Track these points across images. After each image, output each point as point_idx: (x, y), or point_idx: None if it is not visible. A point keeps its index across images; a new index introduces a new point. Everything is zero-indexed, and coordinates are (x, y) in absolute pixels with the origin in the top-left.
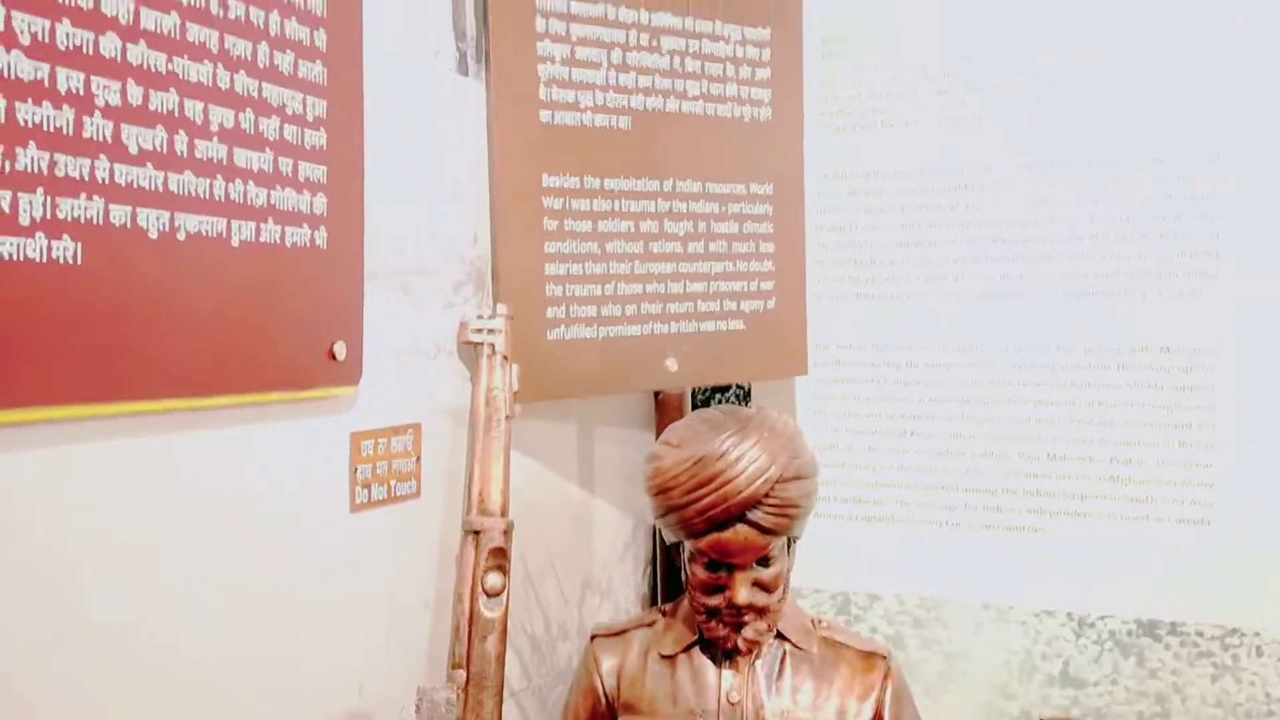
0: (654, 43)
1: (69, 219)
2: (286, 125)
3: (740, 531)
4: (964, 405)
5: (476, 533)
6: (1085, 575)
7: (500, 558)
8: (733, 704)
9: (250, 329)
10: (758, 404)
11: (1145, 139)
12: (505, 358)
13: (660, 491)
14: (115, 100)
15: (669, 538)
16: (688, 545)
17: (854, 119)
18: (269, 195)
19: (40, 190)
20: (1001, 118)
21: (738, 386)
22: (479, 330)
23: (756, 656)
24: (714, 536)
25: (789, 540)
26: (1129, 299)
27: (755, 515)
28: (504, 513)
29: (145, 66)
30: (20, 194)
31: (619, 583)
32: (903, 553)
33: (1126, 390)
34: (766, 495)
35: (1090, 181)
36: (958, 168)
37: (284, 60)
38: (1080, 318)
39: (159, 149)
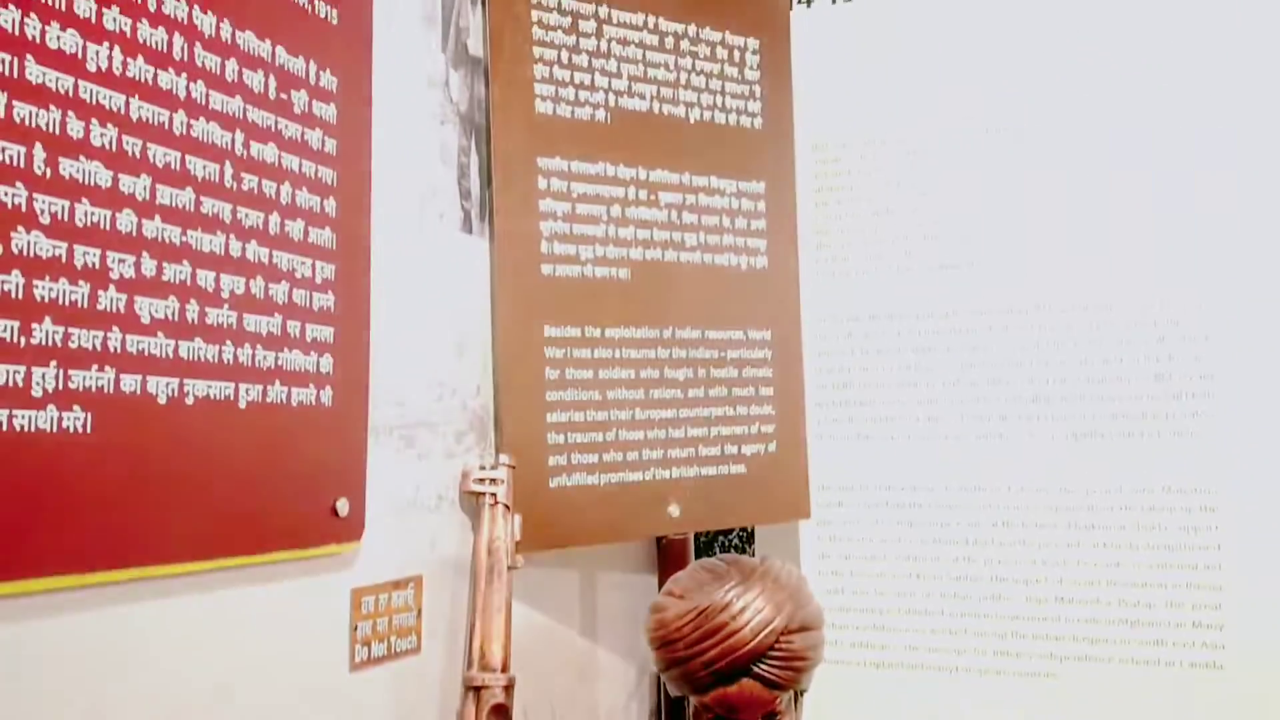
0: (652, 197)
1: (80, 389)
2: (296, 289)
3: (746, 686)
4: (968, 547)
5: (477, 689)
6: None
7: (502, 715)
8: None
9: (255, 490)
10: (761, 547)
11: (1136, 282)
12: (507, 507)
13: (663, 644)
14: (130, 273)
15: (673, 691)
16: (692, 699)
17: (848, 264)
18: (277, 358)
19: (54, 363)
20: (992, 263)
21: (741, 530)
22: (481, 480)
23: None
24: (719, 691)
25: (796, 693)
26: (1128, 440)
27: (761, 669)
28: (505, 668)
29: (160, 239)
30: (34, 368)
31: None
32: (913, 698)
33: (1131, 531)
34: (772, 648)
35: (1084, 325)
36: (952, 311)
37: (294, 228)
38: (1080, 459)
39: (170, 318)
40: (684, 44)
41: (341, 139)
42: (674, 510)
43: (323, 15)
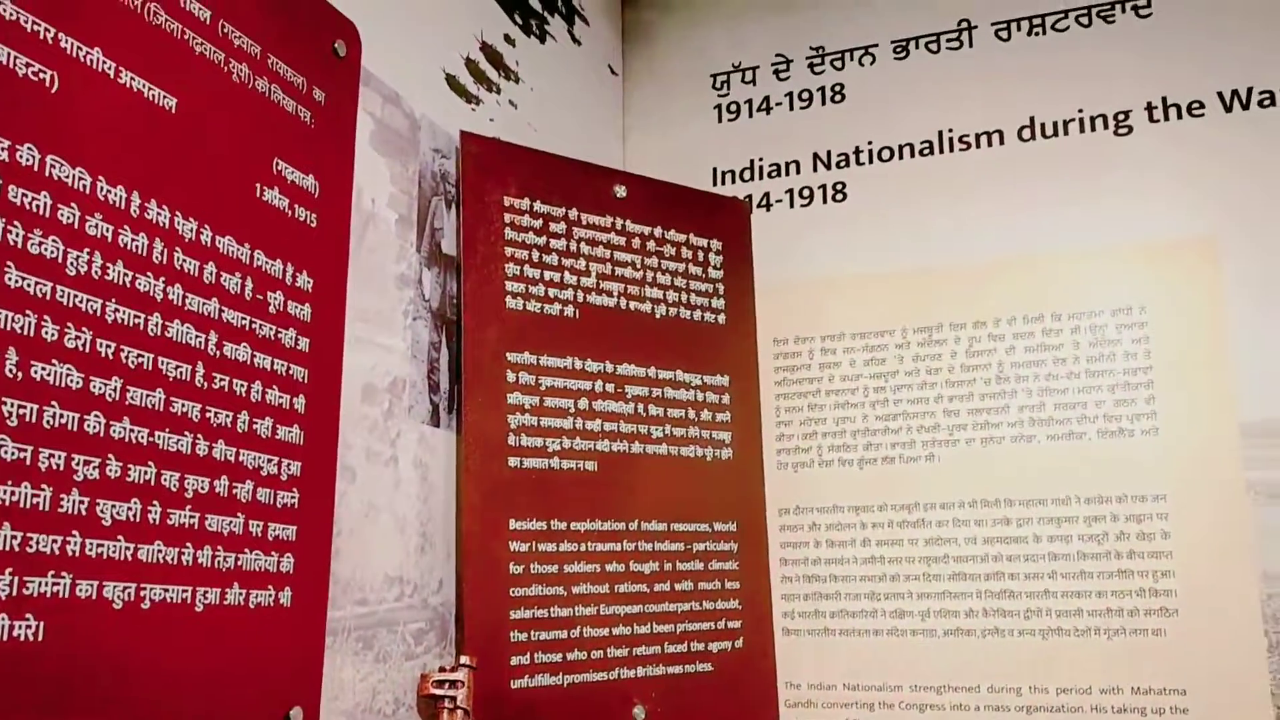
0: (619, 390)
1: (34, 596)
2: (260, 488)
3: None
4: None
5: None
6: None
7: None
8: None
9: (205, 699)
10: None
11: (1089, 478)
12: (466, 712)
13: None
14: (94, 475)
15: None
16: None
17: (810, 455)
18: (238, 559)
19: (9, 571)
20: (953, 456)
21: None
22: (440, 684)
23: None
24: None
25: None
26: (1095, 638)
27: None
28: None
29: (127, 441)
30: None
31: None
32: None
33: None
34: None
35: (1045, 520)
36: (914, 503)
37: (263, 425)
38: (1049, 659)
39: (132, 520)
40: (650, 244)
41: (314, 337)
42: (639, 712)
43: (302, 219)
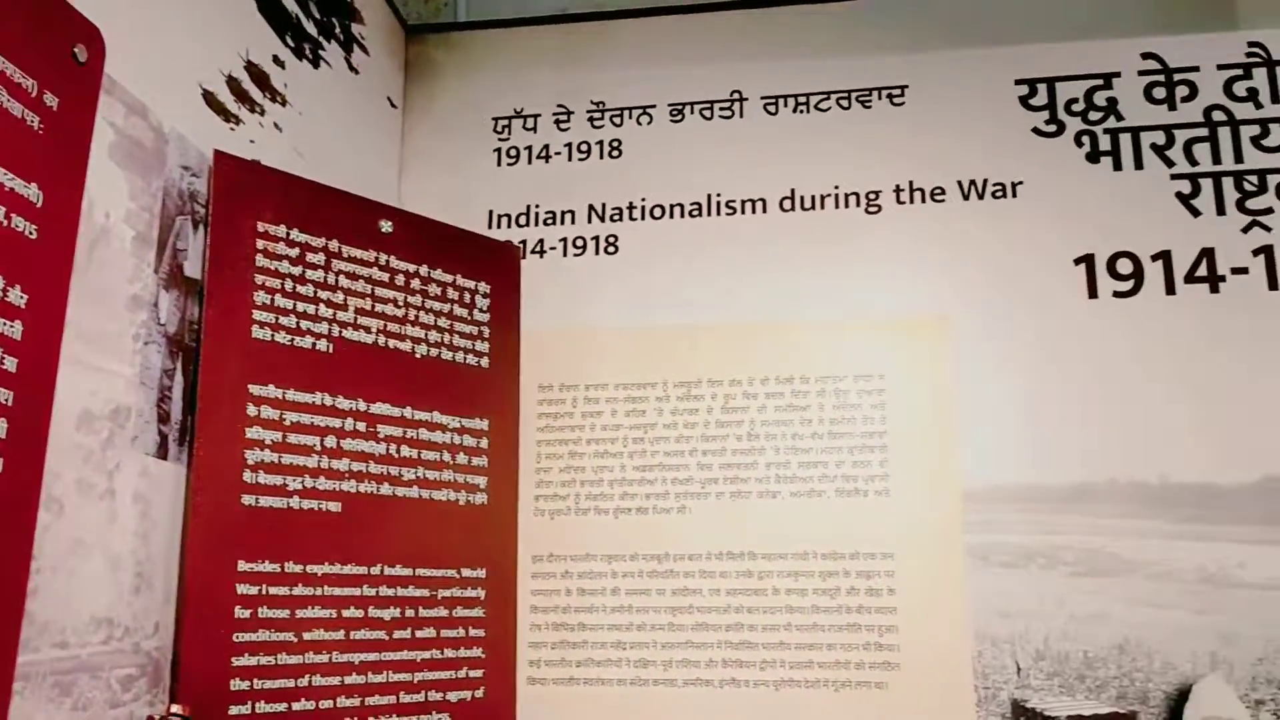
0: (371, 429)
1: None
2: None
3: None
4: None
5: None
6: None
7: None
8: None
9: None
10: None
11: (826, 534)
12: None
13: None
14: None
15: None
16: None
17: (568, 503)
18: None
19: None
20: (703, 509)
21: None
22: None
23: None
24: None
25: None
26: (823, 689)
27: None
28: None
29: None
30: None
31: None
32: None
33: None
34: None
35: (784, 573)
36: (665, 553)
37: None
38: (781, 708)
39: None
40: (414, 282)
41: (24, 357)
42: None
43: (20, 229)
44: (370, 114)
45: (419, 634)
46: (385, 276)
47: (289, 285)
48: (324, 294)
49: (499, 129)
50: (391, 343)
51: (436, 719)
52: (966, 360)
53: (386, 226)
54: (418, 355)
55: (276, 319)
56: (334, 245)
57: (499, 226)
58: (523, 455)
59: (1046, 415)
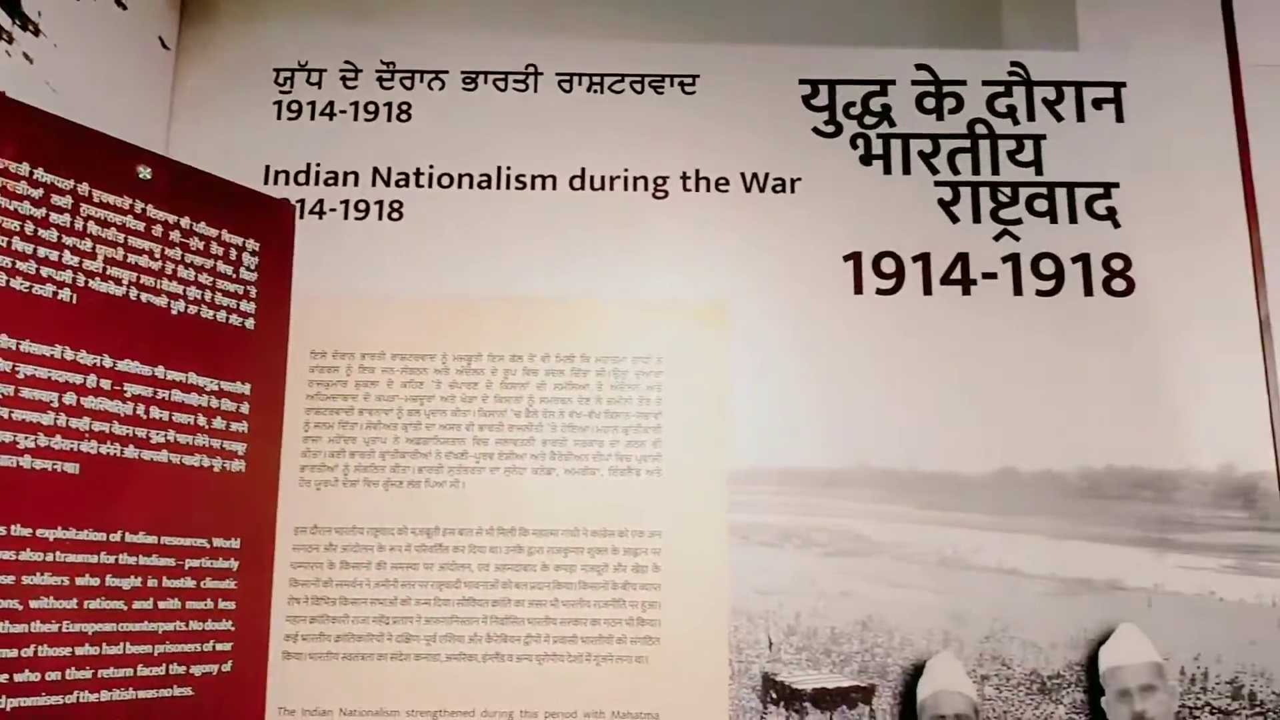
0: (117, 388)
1: None
2: None
3: None
4: None
5: None
6: None
7: None
8: None
9: None
10: None
11: (597, 512)
12: None
13: None
14: None
15: None
16: None
17: (336, 474)
18: None
19: None
20: (477, 484)
21: None
22: None
23: None
24: None
25: None
26: (586, 664)
27: None
28: None
29: None
30: None
31: None
32: None
33: None
34: None
35: (554, 550)
36: (435, 528)
37: None
38: (543, 683)
39: None
40: (174, 235)
41: None
42: None
43: None
44: (137, 53)
45: (162, 605)
46: (141, 226)
47: (29, 228)
48: (69, 240)
49: (281, 81)
50: (145, 297)
51: (178, 693)
52: (739, 347)
53: (145, 173)
54: (174, 312)
55: (14, 264)
56: (84, 189)
57: (276, 183)
58: (290, 423)
59: (809, 403)
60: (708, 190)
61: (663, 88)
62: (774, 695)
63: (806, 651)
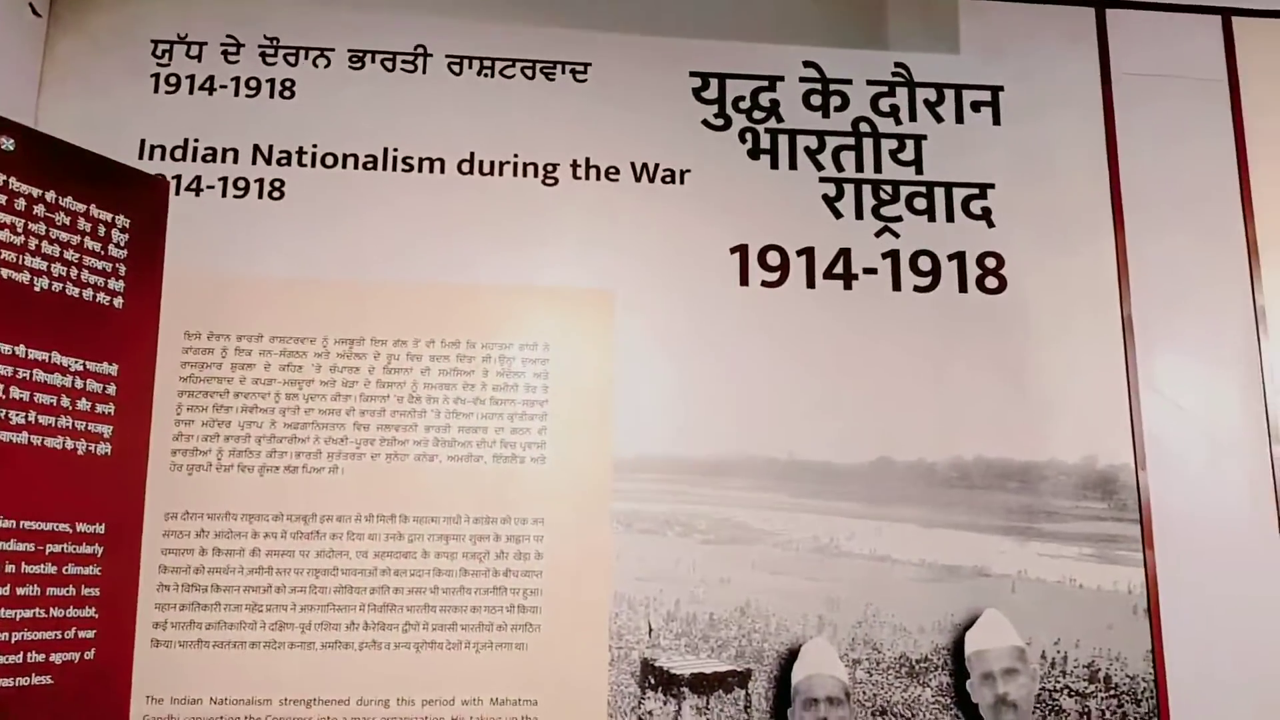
0: None
1: None
2: None
3: None
4: None
5: None
6: None
7: None
8: None
9: None
10: None
11: (480, 499)
12: None
13: None
14: None
15: None
16: None
17: (210, 459)
18: None
19: None
20: (357, 470)
21: None
22: None
23: None
24: None
25: None
26: (465, 651)
27: None
28: None
29: None
30: None
31: None
32: None
33: None
34: None
35: (435, 537)
36: (312, 514)
37: None
38: (421, 671)
39: None
40: (38, 209)
41: None
42: None
43: None
44: (5, 19)
45: (20, 591)
46: (2, 199)
47: None
48: None
49: (159, 53)
50: (6, 272)
51: (36, 681)
52: (626, 336)
53: (7, 144)
54: (37, 289)
55: None
56: None
57: (152, 158)
58: (161, 406)
59: (693, 392)
60: (598, 179)
61: (554, 74)
62: (652, 680)
63: (685, 637)
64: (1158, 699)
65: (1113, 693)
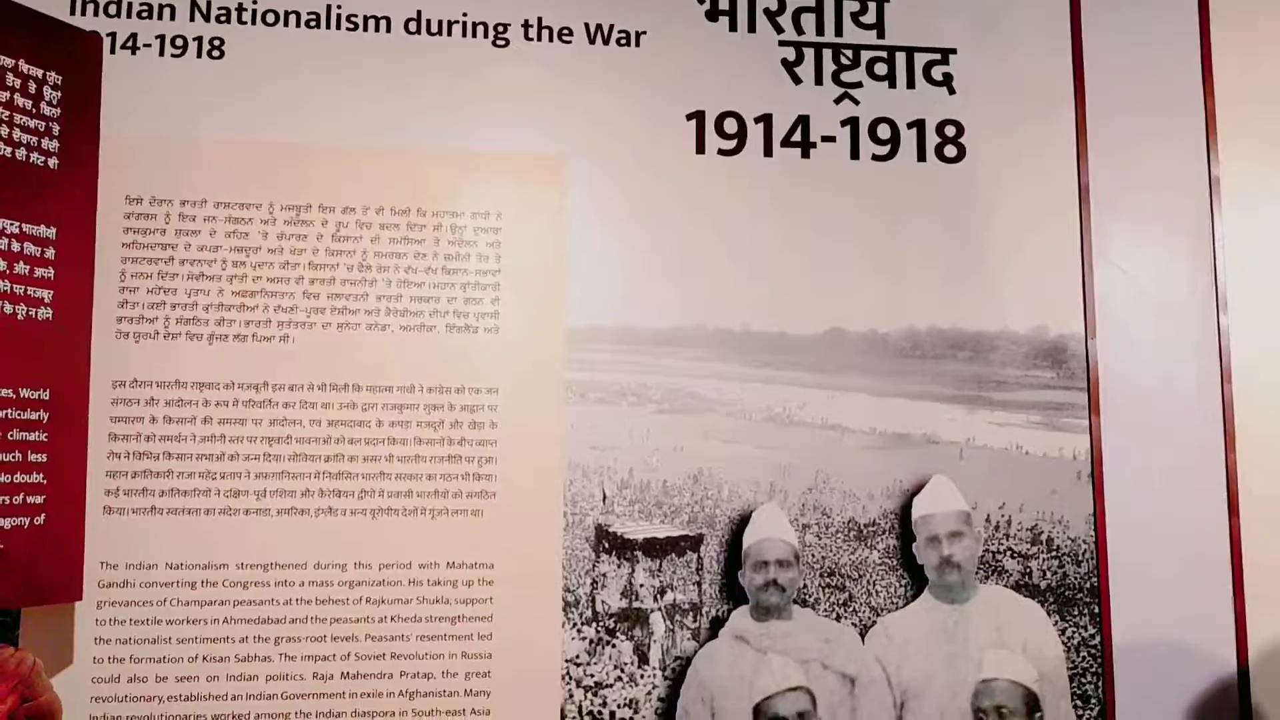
0: None
1: None
2: None
3: None
4: (259, 625)
5: None
6: None
7: None
8: None
9: None
10: (29, 633)
11: (434, 369)
12: None
13: None
14: None
15: None
16: None
17: (156, 326)
18: None
19: None
20: (308, 339)
21: (3, 614)
22: None
23: None
24: None
25: None
26: (420, 518)
27: None
28: None
29: None
30: None
31: None
32: None
33: (416, 605)
34: None
35: (389, 406)
36: (263, 383)
37: None
38: (376, 537)
39: None
40: None
41: None
42: None
43: None
44: None
45: None
46: None
47: None
48: None
49: None
50: None
51: None
52: (579, 204)
53: None
54: None
55: None
56: None
57: (84, 14)
58: (104, 272)
59: (648, 261)
60: (550, 40)
61: None
62: (606, 545)
63: (639, 504)
64: (1097, 559)
65: (1054, 554)
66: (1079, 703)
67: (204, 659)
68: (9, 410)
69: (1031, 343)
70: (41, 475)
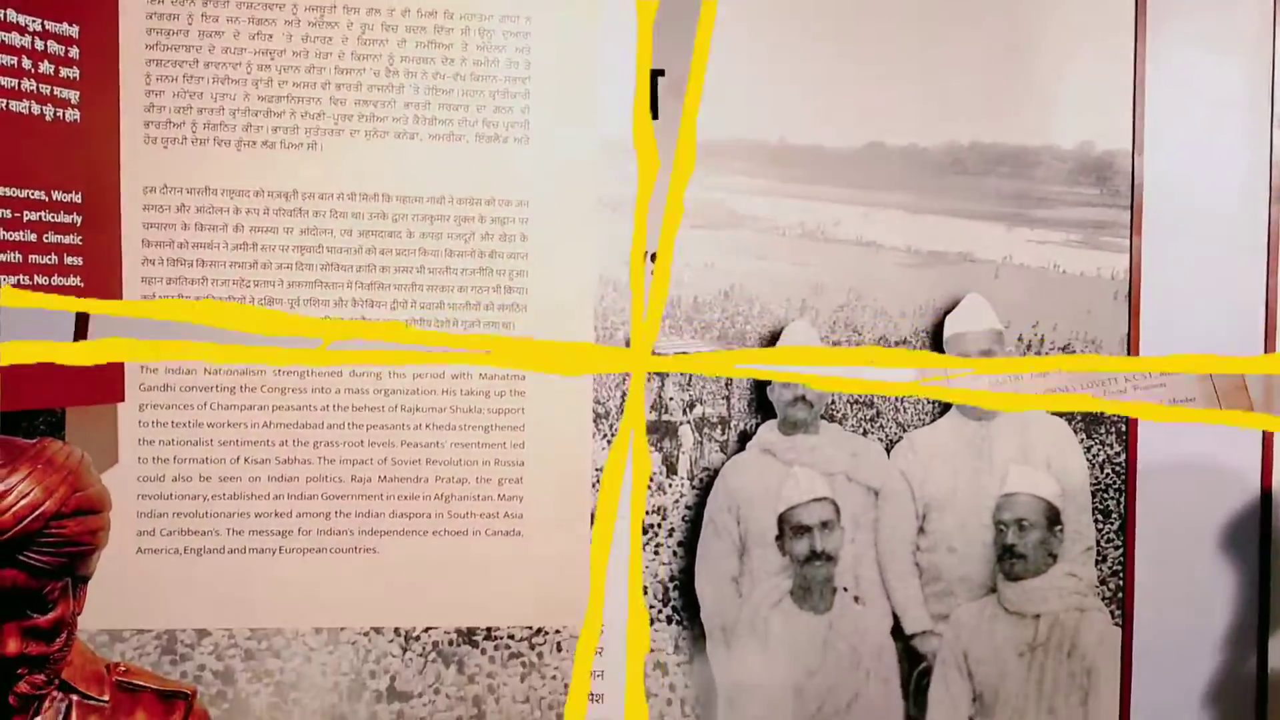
0: None
1: None
2: None
3: (5, 575)
4: (299, 430)
5: None
6: (412, 591)
7: None
8: None
9: None
10: (74, 434)
11: (463, 180)
12: None
13: None
14: None
15: None
16: None
17: (184, 131)
18: None
19: None
20: (336, 146)
21: (49, 413)
22: None
23: (36, 713)
24: None
25: (74, 581)
26: (451, 330)
27: (27, 556)
28: None
29: None
30: None
31: None
32: (233, 584)
33: (450, 414)
34: (40, 533)
35: (419, 217)
36: (293, 191)
37: None
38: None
39: None
40: None
41: None
42: None
43: None
44: None
45: (2, 257)
46: None
47: None
48: None
49: None
50: None
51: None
52: (612, 9)
53: None
54: None
55: None
56: None
57: None
58: (129, 75)
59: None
60: None
61: None
62: None
63: (669, 319)
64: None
65: None
66: (1099, 517)
67: (245, 460)
68: (43, 213)
69: (1077, 158)
70: (79, 278)
